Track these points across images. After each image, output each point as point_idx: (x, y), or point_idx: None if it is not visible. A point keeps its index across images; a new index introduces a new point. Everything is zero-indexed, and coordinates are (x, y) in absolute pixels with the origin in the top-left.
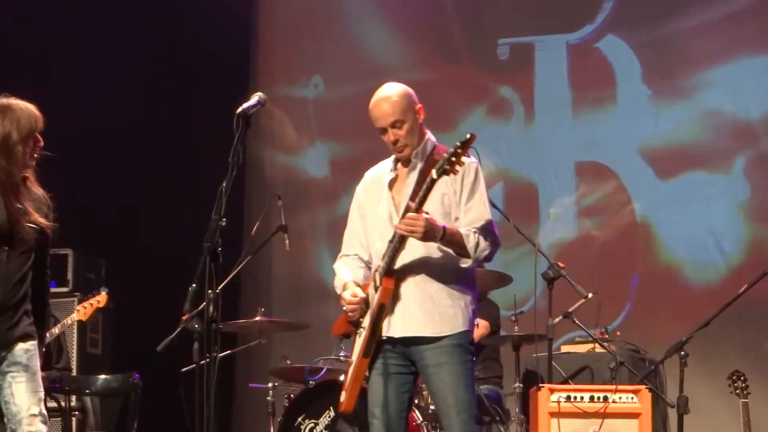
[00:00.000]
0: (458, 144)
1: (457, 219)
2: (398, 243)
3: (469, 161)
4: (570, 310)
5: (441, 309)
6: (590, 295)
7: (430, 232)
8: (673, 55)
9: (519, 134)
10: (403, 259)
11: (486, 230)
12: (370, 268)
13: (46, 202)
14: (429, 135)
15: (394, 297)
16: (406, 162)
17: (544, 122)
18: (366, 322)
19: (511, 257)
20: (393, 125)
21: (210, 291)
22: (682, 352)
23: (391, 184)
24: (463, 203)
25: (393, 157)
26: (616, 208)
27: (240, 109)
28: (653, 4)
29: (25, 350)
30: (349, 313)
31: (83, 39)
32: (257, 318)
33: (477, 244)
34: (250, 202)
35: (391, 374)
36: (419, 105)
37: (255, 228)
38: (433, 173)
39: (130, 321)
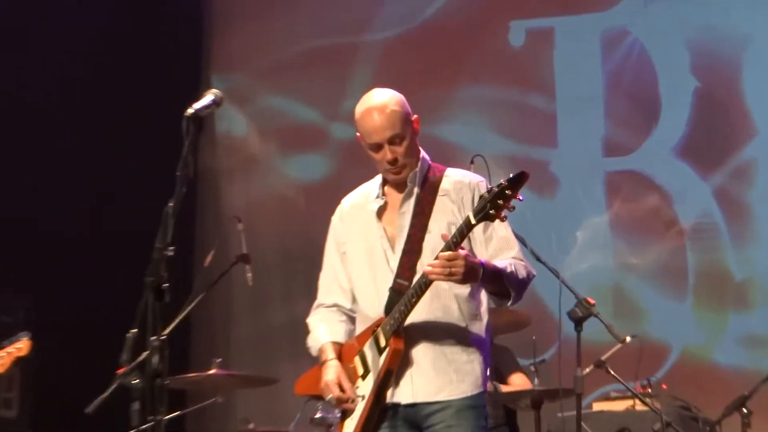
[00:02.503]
0: (505, 183)
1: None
2: (417, 294)
3: (477, 180)
4: (603, 358)
5: (456, 365)
6: (629, 338)
7: (470, 273)
8: (724, 38)
9: (537, 138)
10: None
11: (519, 259)
12: (353, 321)
13: None
14: (423, 152)
15: (403, 359)
16: (400, 186)
17: (568, 124)
18: (364, 389)
19: (528, 292)
20: (391, 141)
21: (154, 337)
22: (744, 410)
23: (380, 213)
24: (480, 231)
25: (378, 179)
26: (659, 228)
27: (190, 111)
28: None
29: None
30: (336, 411)
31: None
32: (212, 371)
33: (517, 278)
34: (204, 226)
35: None
36: (415, 115)
37: (209, 258)
38: (471, 217)
39: (54, 375)
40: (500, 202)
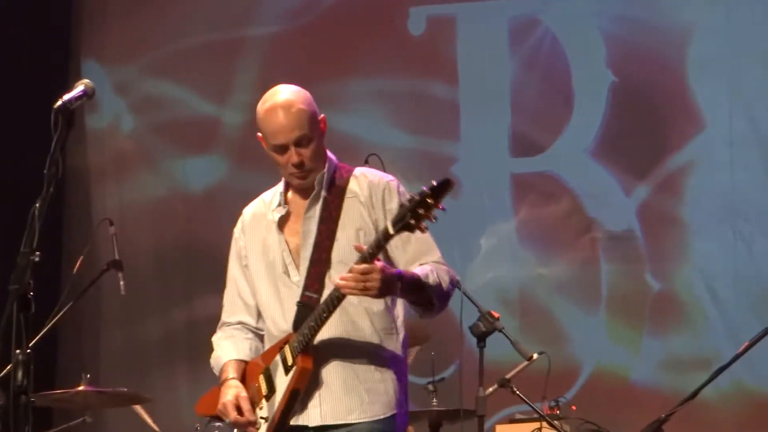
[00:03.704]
0: (427, 191)
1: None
2: (329, 309)
3: (387, 179)
4: (508, 376)
5: (368, 385)
6: (536, 355)
7: (387, 287)
8: (643, 28)
9: (438, 133)
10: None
11: (440, 264)
12: (261, 338)
13: None
14: (329, 154)
15: (311, 378)
16: (305, 192)
17: (472, 121)
18: (268, 410)
19: None
20: (298, 142)
21: (18, 351)
22: None
23: (282, 223)
24: None
25: (280, 187)
26: (571, 236)
27: (59, 103)
28: None
29: None
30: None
31: None
32: (81, 387)
33: (440, 286)
34: (72, 230)
35: None
36: (322, 115)
37: (78, 264)
38: (389, 227)
39: None
40: (421, 211)
